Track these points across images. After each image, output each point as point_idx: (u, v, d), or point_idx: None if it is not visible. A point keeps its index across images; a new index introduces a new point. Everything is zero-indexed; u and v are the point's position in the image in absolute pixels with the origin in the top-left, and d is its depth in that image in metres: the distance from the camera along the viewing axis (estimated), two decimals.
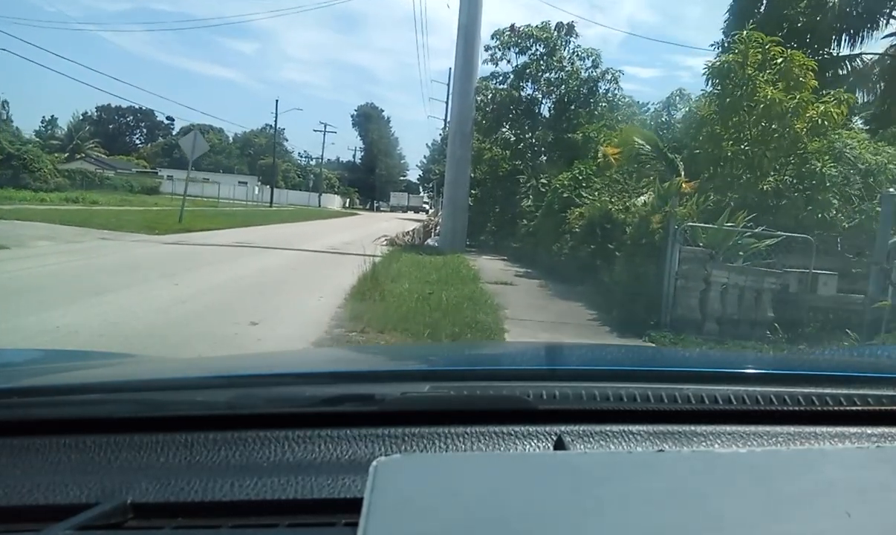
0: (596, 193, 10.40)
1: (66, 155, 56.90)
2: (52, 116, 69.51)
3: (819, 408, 0.92)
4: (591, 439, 0.85)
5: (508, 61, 18.30)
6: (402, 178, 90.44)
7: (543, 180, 14.71)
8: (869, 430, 0.92)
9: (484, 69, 18.91)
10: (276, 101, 71.06)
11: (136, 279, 8.20)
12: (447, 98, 46.30)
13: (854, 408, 0.93)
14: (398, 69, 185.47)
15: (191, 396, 0.95)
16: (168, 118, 75.18)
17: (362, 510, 0.56)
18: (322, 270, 11.39)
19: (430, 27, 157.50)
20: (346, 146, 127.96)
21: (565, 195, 11.52)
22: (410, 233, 20.96)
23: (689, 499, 0.59)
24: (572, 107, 18.09)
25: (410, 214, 59.49)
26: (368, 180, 78.85)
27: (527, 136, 18.41)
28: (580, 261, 9.42)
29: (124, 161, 63.90)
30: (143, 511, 0.71)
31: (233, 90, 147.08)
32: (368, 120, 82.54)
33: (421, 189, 77.67)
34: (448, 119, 23.01)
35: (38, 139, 58.14)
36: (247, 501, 0.73)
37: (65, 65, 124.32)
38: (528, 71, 17.84)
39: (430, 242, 19.26)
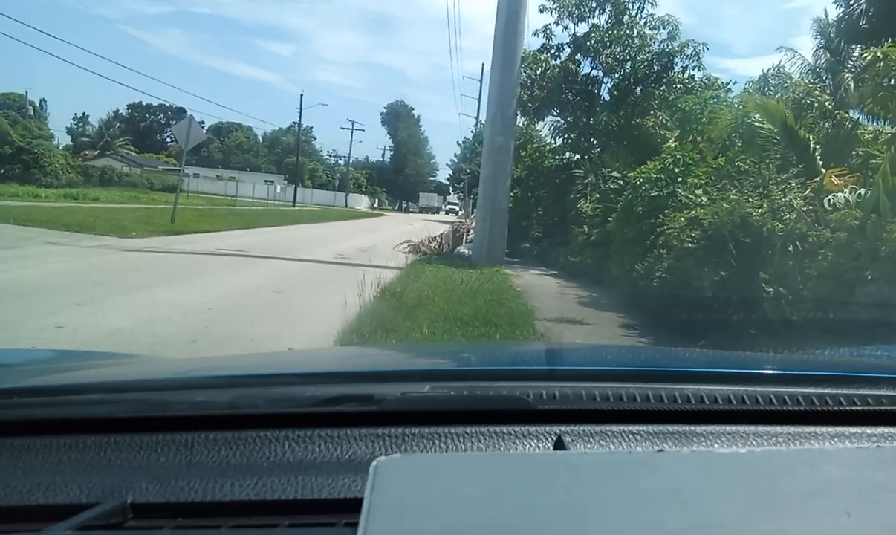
0: (717, 192, 7.05)
1: (96, 152, 56.71)
2: (84, 114, 68.97)
3: (819, 408, 0.91)
4: (591, 439, 0.84)
5: (565, 28, 14.87)
6: (431, 178, 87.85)
7: (616, 174, 11.26)
8: (869, 430, 0.90)
9: (533, 42, 15.55)
10: (301, 95, 69.25)
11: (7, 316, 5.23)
12: (479, 94, 43.00)
13: (854, 408, 0.91)
14: (430, 71, 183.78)
15: (191, 396, 0.95)
16: (181, 110, 73.30)
17: (362, 510, 0.56)
18: (314, 293, 8.33)
19: (463, 28, 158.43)
20: (376, 145, 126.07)
21: (654, 193, 8.20)
22: (438, 238, 17.83)
23: (688, 499, 0.58)
24: (639, 88, 14.66)
25: (441, 215, 56.68)
26: (397, 180, 76.49)
27: (581, 122, 14.96)
28: (696, 293, 6.12)
29: (152, 158, 63.57)
30: (143, 511, 0.71)
31: (268, 91, 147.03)
32: (398, 118, 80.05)
33: (451, 190, 74.92)
34: (485, 100, 19.63)
35: (68, 136, 57.97)
36: (247, 501, 0.72)
37: (100, 64, 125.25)
38: (588, 42, 14.39)
39: (461, 249, 16.02)
